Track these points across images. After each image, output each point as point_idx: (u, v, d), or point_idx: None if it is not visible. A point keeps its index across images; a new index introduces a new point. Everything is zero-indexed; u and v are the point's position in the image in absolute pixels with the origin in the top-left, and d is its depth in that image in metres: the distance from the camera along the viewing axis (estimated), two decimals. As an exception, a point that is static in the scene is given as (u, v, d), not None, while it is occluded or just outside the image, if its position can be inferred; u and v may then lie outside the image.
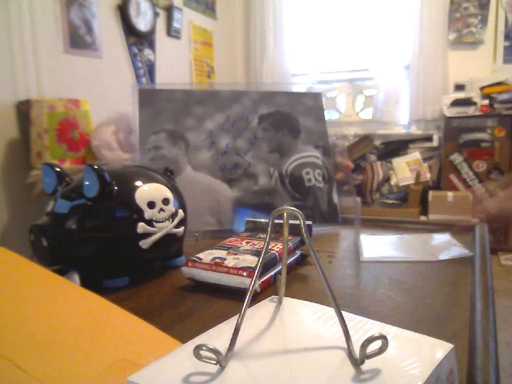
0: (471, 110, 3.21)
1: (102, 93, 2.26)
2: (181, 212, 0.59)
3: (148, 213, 0.54)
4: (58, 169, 0.56)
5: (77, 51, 2.18)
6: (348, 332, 0.27)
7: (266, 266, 0.53)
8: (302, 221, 0.29)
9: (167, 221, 0.56)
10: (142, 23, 2.60)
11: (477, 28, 3.18)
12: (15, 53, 1.87)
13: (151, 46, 2.75)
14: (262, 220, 0.70)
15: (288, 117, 0.91)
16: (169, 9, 2.86)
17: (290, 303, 0.35)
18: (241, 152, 0.86)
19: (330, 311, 0.32)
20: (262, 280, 0.51)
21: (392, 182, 3.27)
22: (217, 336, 0.29)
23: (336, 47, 3.48)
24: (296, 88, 2.65)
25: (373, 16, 3.29)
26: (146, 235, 0.54)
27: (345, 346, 0.26)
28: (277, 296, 0.36)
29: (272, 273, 0.54)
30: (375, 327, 0.30)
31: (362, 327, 0.30)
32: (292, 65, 3.59)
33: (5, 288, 0.39)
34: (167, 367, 0.25)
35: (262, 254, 0.30)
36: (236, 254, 0.54)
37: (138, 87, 0.85)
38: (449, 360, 0.26)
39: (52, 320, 0.35)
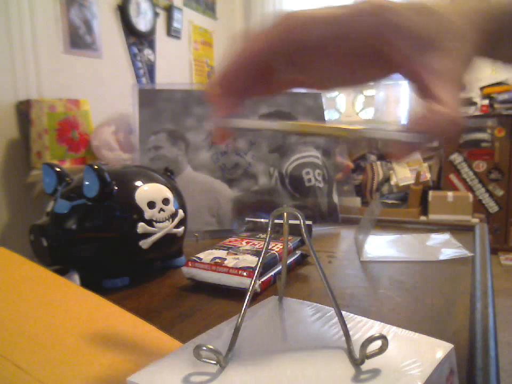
0: (471, 110, 3.21)
1: (102, 93, 2.26)
2: (181, 212, 0.59)
3: (148, 213, 0.54)
4: (58, 169, 0.56)
5: (77, 51, 2.18)
6: (348, 331, 0.27)
7: (266, 266, 0.53)
8: (302, 221, 0.29)
9: (167, 221, 0.56)
10: (142, 23, 2.60)
11: (477, 27, 3.18)
12: (15, 53, 1.87)
13: (151, 46, 2.75)
14: (262, 220, 0.70)
15: (288, 116, 0.91)
16: (169, 9, 2.86)
17: (290, 303, 0.35)
18: (241, 152, 0.86)
19: (330, 311, 0.32)
20: (262, 280, 0.51)
21: (392, 182, 3.28)
22: (217, 336, 0.29)
23: (336, 47, 3.48)
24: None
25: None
26: (146, 235, 0.54)
27: (345, 346, 0.26)
28: (277, 296, 0.36)
29: (272, 273, 0.54)
30: (375, 327, 0.30)
31: (362, 327, 0.30)
32: (292, 65, 3.59)
33: (5, 288, 0.39)
34: (167, 367, 0.25)
35: (262, 254, 0.30)
36: (236, 254, 0.54)
37: (138, 87, 0.85)
38: (449, 360, 0.26)
39: (52, 320, 0.35)
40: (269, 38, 0.27)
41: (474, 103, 3.20)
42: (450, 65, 0.26)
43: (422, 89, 0.26)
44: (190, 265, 0.53)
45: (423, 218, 2.99)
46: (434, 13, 0.26)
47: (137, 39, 2.62)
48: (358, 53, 0.29)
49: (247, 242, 0.59)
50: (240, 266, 0.51)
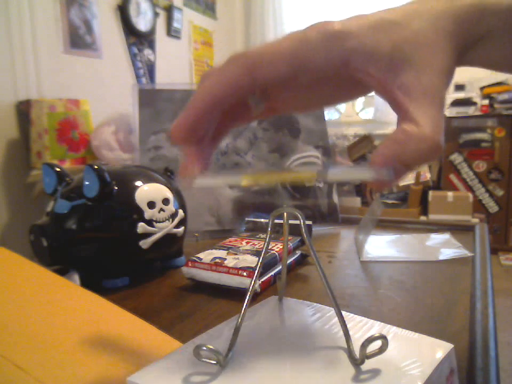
0: (471, 110, 3.21)
1: (102, 93, 2.26)
2: (181, 212, 0.59)
3: (148, 213, 0.54)
4: (58, 169, 0.56)
5: (77, 51, 2.19)
6: (348, 332, 0.27)
7: (266, 266, 0.53)
8: (302, 221, 0.29)
9: (167, 221, 0.56)
10: (142, 23, 2.60)
11: (477, 27, 3.18)
12: (15, 53, 1.87)
13: (151, 46, 2.75)
14: (262, 220, 0.70)
15: (288, 116, 0.91)
16: (169, 9, 2.86)
17: (290, 303, 0.35)
18: (241, 152, 0.86)
19: (330, 311, 0.32)
20: (262, 280, 0.51)
21: (392, 182, 3.27)
22: (217, 336, 0.29)
23: (336, 47, 3.48)
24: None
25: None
26: (146, 235, 0.54)
27: (345, 346, 0.26)
28: (277, 296, 0.36)
29: (272, 273, 0.54)
30: (375, 327, 0.30)
31: (362, 327, 0.30)
32: (292, 65, 3.59)
33: (5, 288, 0.39)
34: (167, 367, 0.25)
35: (262, 254, 0.30)
36: (236, 254, 0.54)
37: (138, 87, 0.85)
38: (449, 360, 0.26)
39: (52, 320, 0.35)
40: (226, 80, 0.25)
41: (474, 103, 3.20)
42: (426, 81, 0.23)
43: (400, 111, 0.24)
44: (190, 265, 0.53)
45: (423, 218, 2.99)
46: (397, 26, 0.23)
47: (137, 39, 2.62)
48: (329, 80, 0.27)
49: (247, 242, 0.59)
50: (240, 266, 0.51)
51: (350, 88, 0.28)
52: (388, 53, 0.23)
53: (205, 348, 0.24)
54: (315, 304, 0.34)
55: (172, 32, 2.91)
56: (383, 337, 0.24)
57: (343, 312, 0.28)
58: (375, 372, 0.24)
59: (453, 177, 3.31)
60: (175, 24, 2.92)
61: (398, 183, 3.25)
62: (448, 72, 0.24)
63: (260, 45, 0.25)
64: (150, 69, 2.74)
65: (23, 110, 1.84)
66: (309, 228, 0.68)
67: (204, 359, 0.24)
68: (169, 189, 0.58)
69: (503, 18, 0.24)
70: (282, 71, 0.24)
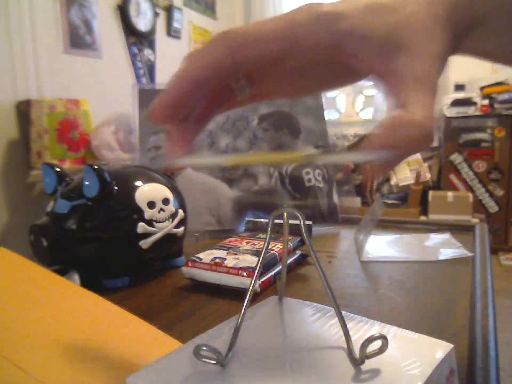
0: (471, 110, 3.21)
1: (102, 93, 2.26)
2: (181, 212, 0.59)
3: (148, 213, 0.54)
4: (58, 169, 0.56)
5: (77, 51, 2.19)
6: (347, 332, 0.27)
7: (266, 266, 0.53)
8: (302, 221, 0.29)
9: (167, 221, 0.56)
10: (142, 23, 2.60)
11: (477, 27, 3.18)
12: (15, 53, 1.87)
13: (151, 46, 2.75)
14: (262, 220, 0.70)
15: (288, 116, 0.91)
16: (169, 9, 2.86)
17: (290, 303, 0.35)
18: (241, 152, 0.86)
19: (330, 311, 0.32)
20: (262, 280, 0.51)
21: (392, 182, 3.28)
22: (217, 336, 0.29)
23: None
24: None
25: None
26: (146, 235, 0.54)
27: (345, 346, 0.26)
28: (277, 296, 0.36)
29: (272, 273, 0.54)
30: (375, 327, 0.30)
31: (362, 327, 0.30)
32: (292, 65, 3.59)
33: (5, 288, 0.39)
34: (167, 367, 0.25)
35: (262, 254, 0.30)
36: (236, 254, 0.54)
37: (138, 87, 0.85)
38: (449, 360, 0.26)
39: (52, 320, 0.35)
40: (207, 61, 0.24)
41: (474, 103, 3.20)
42: (419, 67, 0.22)
43: (392, 98, 0.23)
44: (190, 265, 0.53)
45: (423, 218, 2.99)
46: (390, 10, 0.23)
47: (137, 39, 2.62)
48: (317, 65, 0.26)
49: (247, 242, 0.59)
50: (240, 266, 0.51)
51: (338, 74, 0.27)
52: (380, 37, 0.22)
53: (205, 348, 0.24)
54: (315, 304, 0.34)
55: (172, 32, 2.91)
56: (383, 337, 0.24)
57: (343, 312, 0.28)
58: (375, 372, 0.24)
59: (453, 177, 3.31)
60: (175, 24, 2.92)
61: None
62: (442, 58, 0.23)
63: (244, 25, 0.24)
64: (150, 69, 2.74)
65: (23, 110, 1.84)
66: (309, 228, 0.68)
67: (203, 359, 0.24)
68: (169, 189, 0.58)
69: (497, 3, 0.24)
70: (267, 53, 0.23)
